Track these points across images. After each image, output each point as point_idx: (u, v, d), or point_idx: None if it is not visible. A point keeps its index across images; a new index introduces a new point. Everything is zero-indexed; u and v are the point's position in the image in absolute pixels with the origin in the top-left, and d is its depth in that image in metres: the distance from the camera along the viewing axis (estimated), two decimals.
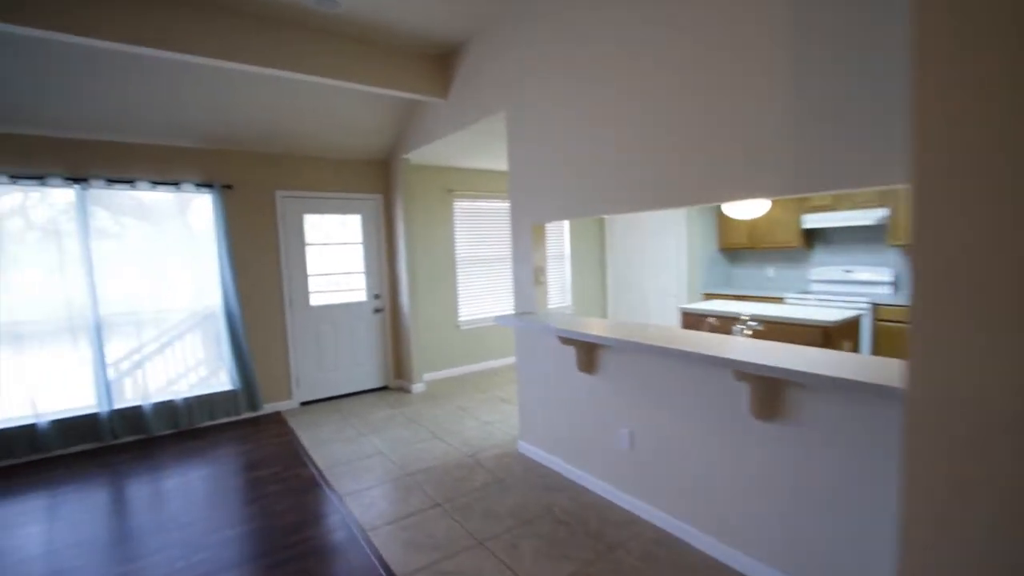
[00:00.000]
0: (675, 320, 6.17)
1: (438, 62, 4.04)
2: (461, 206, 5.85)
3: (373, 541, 2.54)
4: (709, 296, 6.08)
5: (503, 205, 6.19)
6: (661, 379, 2.51)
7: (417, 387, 5.23)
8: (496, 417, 4.36)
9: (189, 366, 4.34)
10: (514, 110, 3.37)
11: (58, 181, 3.71)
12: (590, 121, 2.84)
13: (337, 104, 4.19)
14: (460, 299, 5.90)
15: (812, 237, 5.57)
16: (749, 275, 6.27)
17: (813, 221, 5.25)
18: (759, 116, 2.04)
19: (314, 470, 3.41)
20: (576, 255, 6.92)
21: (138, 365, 4.10)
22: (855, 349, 3.87)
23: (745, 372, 1.90)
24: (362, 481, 3.22)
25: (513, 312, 3.56)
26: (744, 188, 2.14)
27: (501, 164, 5.67)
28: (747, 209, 2.82)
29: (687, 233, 6.11)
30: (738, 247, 6.09)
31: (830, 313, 3.83)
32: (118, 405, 4.02)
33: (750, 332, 2.76)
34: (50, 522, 2.84)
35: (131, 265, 4.03)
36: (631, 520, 2.65)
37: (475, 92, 3.73)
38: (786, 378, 1.75)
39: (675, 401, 2.44)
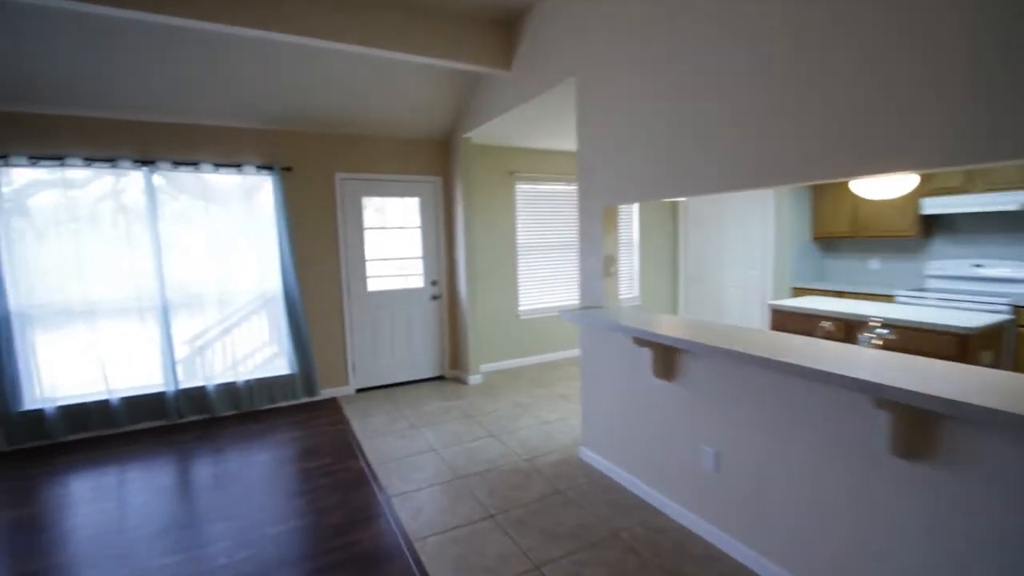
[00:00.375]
0: (759, 318, 5.55)
1: (501, 29, 3.70)
2: (523, 189, 5.52)
3: (420, 555, 2.31)
4: (799, 292, 5.39)
5: (568, 188, 5.79)
6: (759, 394, 2.08)
7: (473, 379, 5.01)
8: (556, 416, 4.04)
9: (251, 349, 4.35)
10: (585, 77, 2.98)
11: (127, 163, 3.75)
12: (676, 86, 2.40)
13: (397, 80, 3.96)
14: (520, 288, 5.60)
15: (932, 225, 4.75)
16: (847, 268, 5.51)
17: (937, 206, 4.45)
18: (917, 64, 1.54)
19: (364, 464, 3.26)
20: (645, 243, 6.41)
21: (203, 347, 4.14)
22: (996, 363, 3.19)
23: (889, 399, 1.45)
24: (412, 481, 3.02)
25: (578, 305, 3.21)
26: (888, 160, 1.65)
27: (566, 144, 5.26)
28: (884, 187, 2.28)
29: (775, 220, 5.44)
30: (836, 236, 5.34)
31: (966, 317, 3.16)
32: (184, 385, 4.08)
33: (880, 341, 2.24)
34: (109, 501, 2.87)
35: (196, 247, 4.06)
36: (715, 556, 2.25)
37: (541, 59, 3.36)
38: (974, 417, 1.29)
39: (779, 423, 2.01)
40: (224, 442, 3.69)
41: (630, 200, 2.75)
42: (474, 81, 4.22)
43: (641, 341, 2.48)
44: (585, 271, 3.13)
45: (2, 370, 3.53)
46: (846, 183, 5.04)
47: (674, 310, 6.77)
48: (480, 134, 4.64)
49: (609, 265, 2.94)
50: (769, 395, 2.03)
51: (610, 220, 2.93)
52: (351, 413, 4.26)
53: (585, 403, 3.24)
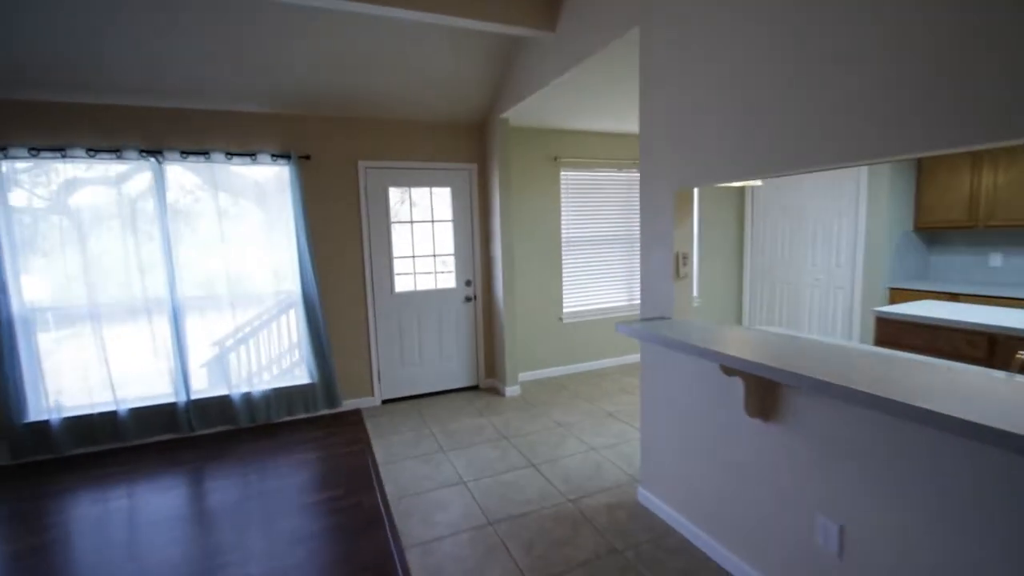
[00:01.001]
0: (850, 324, 4.72)
1: None
2: (569, 177, 4.90)
3: None
4: (898, 294, 4.52)
5: (620, 176, 5.13)
6: (912, 449, 1.41)
7: (510, 390, 4.46)
8: (605, 440, 3.44)
9: (267, 357, 3.97)
10: (654, 25, 2.34)
11: (133, 154, 3.42)
12: (778, 29, 1.74)
13: (426, 54, 3.44)
14: (565, 288, 5.00)
15: None
16: (960, 264, 4.57)
17: None
18: None
19: (379, 498, 2.78)
20: (705, 234, 5.65)
21: (216, 354, 3.80)
22: None
23: None
24: (434, 525, 2.51)
25: (638, 314, 2.58)
26: None
27: (618, 124, 4.60)
28: None
29: (867, 206, 4.58)
30: (947, 226, 4.42)
31: None
32: (196, 395, 3.75)
33: None
34: (105, 526, 2.51)
35: (207, 246, 3.70)
36: None
37: (595, 9, 2.74)
38: None
39: (948, 498, 1.34)
40: (231, 463, 3.31)
41: (712, 180, 2.11)
42: (513, 51, 3.64)
43: (730, 369, 1.85)
44: (649, 272, 2.50)
45: (6, 377, 3.28)
46: (969, 159, 4.15)
47: (738, 311, 5.98)
48: (520, 114, 4.06)
49: (681, 265, 2.30)
50: (930, 453, 1.37)
51: (683, 208, 2.29)
52: (373, 429, 3.80)
53: (645, 433, 2.62)
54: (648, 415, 2.58)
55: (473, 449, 3.39)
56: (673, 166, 2.27)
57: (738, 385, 1.95)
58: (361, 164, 4.08)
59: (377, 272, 4.22)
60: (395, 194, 4.29)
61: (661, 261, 2.39)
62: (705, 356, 1.79)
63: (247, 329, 3.89)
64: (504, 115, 4.08)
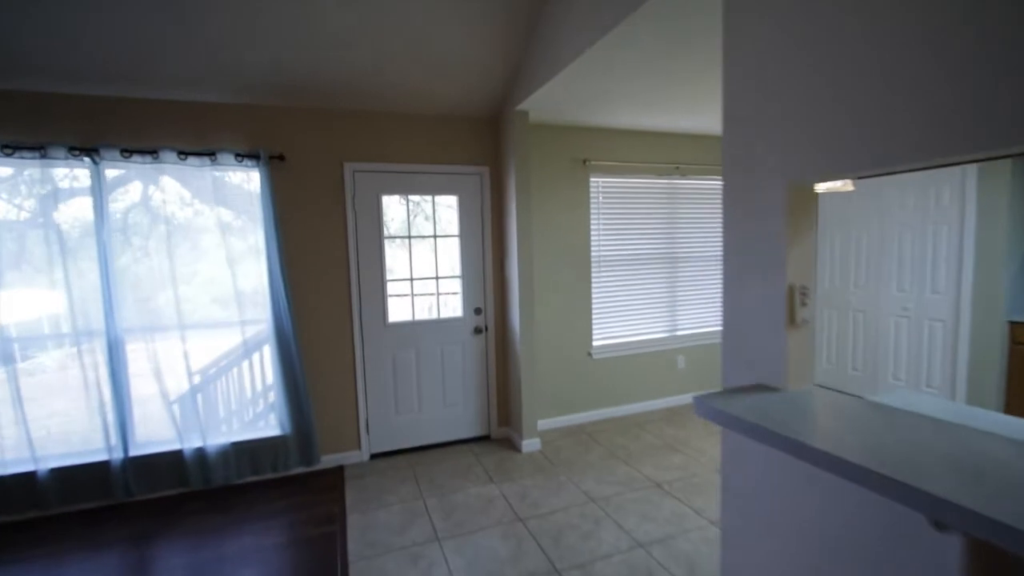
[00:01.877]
0: (953, 372, 3.74)
1: None
2: (601, 184, 4.10)
3: None
4: (1021, 328, 3.53)
5: (661, 184, 4.30)
6: None
7: (528, 444, 3.61)
8: (654, 531, 2.56)
9: (230, 403, 3.23)
10: None
11: (61, 152, 2.76)
12: None
13: (424, 23, 2.71)
14: (595, 316, 4.15)
15: None
16: None
17: None
18: None
19: None
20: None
21: (165, 401, 3.07)
22: None
23: None
24: None
25: (722, 377, 1.77)
26: None
27: (660, 120, 3.79)
28: None
29: (976, 216, 3.64)
30: None
31: None
32: (137, 452, 3.02)
33: None
34: None
35: (158, 266, 3.00)
36: None
37: None
38: None
39: None
40: (159, 549, 2.54)
41: (847, 169, 1.26)
42: (531, 22, 2.88)
43: (946, 525, 0.98)
44: (739, 313, 1.64)
45: None
46: None
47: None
48: (542, 105, 3.29)
49: (798, 304, 1.44)
50: None
51: (801, 214, 1.44)
52: (354, 497, 3.00)
53: (731, 555, 1.74)
54: (735, 530, 1.70)
55: (477, 538, 2.55)
56: (784, 147, 1.43)
57: (950, 546, 1.08)
58: (348, 167, 3.35)
59: (367, 298, 3.46)
60: (389, 204, 3.55)
61: (763, 298, 1.53)
62: (905, 500, 0.92)
63: (205, 369, 3.15)
64: (522, 107, 3.32)
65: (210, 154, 3.01)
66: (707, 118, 3.81)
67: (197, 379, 3.10)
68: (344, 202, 3.36)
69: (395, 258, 3.58)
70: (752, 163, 1.52)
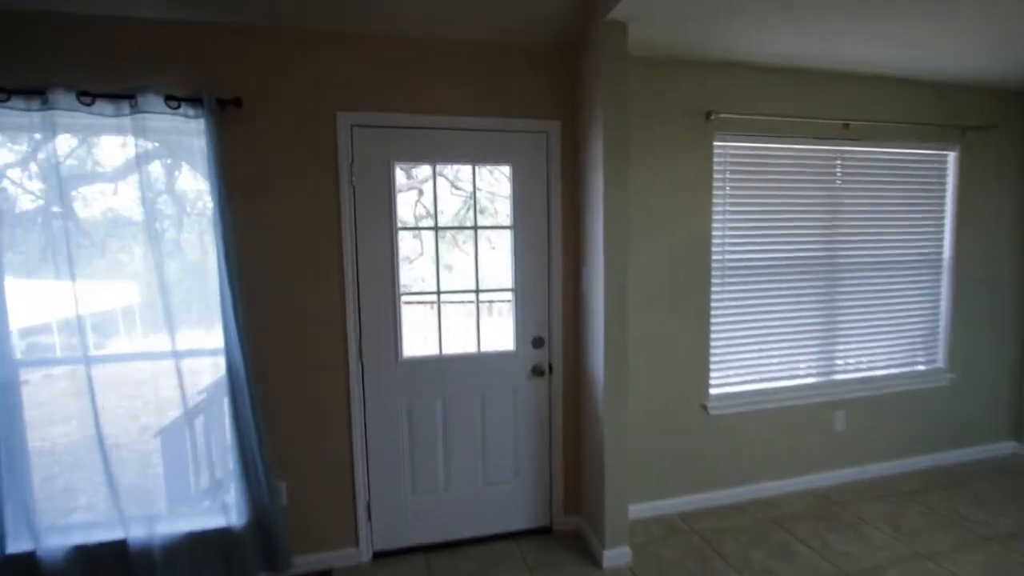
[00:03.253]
0: None
1: None
2: (731, 152, 2.68)
3: None
4: None
5: (828, 151, 2.82)
6: None
7: (613, 556, 2.30)
8: None
9: (152, 476, 2.17)
10: None
11: None
12: None
13: None
14: (715, 350, 2.76)
15: None
16: None
17: None
18: None
19: None
20: (964, 251, 3.13)
21: (55, 470, 2.05)
22: None
23: None
24: None
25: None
26: None
27: (847, 47, 2.30)
28: None
29: None
30: None
31: None
32: (15, 547, 2.02)
33: None
34: None
35: (51, 266, 1.98)
36: None
37: None
38: None
39: None
40: None
41: None
42: None
43: None
44: None
45: None
46: None
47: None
48: (648, 10, 1.95)
49: None
50: None
51: None
52: None
53: None
54: None
55: None
56: None
57: None
58: (343, 120, 2.17)
59: (370, 322, 2.28)
60: (406, 176, 2.36)
61: None
62: None
63: (121, 428, 2.10)
64: (616, 14, 1.99)
65: (128, 96, 1.93)
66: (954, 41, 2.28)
67: (107, 444, 2.04)
68: (336, 174, 2.19)
69: (413, 262, 2.38)
70: None
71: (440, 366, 2.38)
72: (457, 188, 2.49)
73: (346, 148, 2.18)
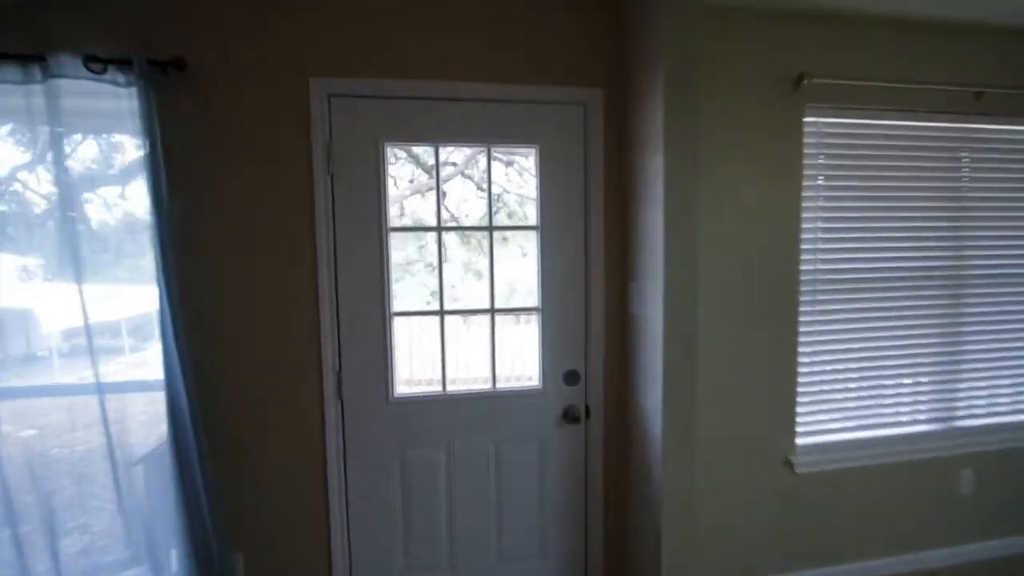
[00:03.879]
0: None
1: None
2: (826, 129, 2.06)
3: None
4: None
5: (947, 131, 2.15)
6: None
7: None
8: None
9: (67, 553, 1.68)
10: None
11: None
12: None
13: None
14: (803, 389, 2.11)
15: None
16: None
17: None
18: None
19: None
20: None
21: None
22: None
23: None
24: None
25: None
26: None
27: None
28: None
29: None
30: None
31: None
32: None
33: None
34: None
35: None
36: None
37: None
38: None
39: None
40: None
41: None
42: None
43: None
44: None
45: None
46: None
47: None
48: None
49: None
50: None
51: None
52: None
53: None
54: None
55: None
56: None
57: None
58: (316, 87, 1.67)
59: (353, 349, 1.76)
60: (401, 161, 1.85)
61: None
62: None
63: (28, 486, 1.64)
64: None
65: (38, 59, 1.48)
66: None
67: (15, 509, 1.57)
68: (309, 158, 1.69)
69: (408, 271, 1.86)
70: None
71: (444, 407, 1.83)
72: (483, 189, 1.97)
73: (322, 125, 1.68)
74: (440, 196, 1.80)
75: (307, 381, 1.72)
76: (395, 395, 1.80)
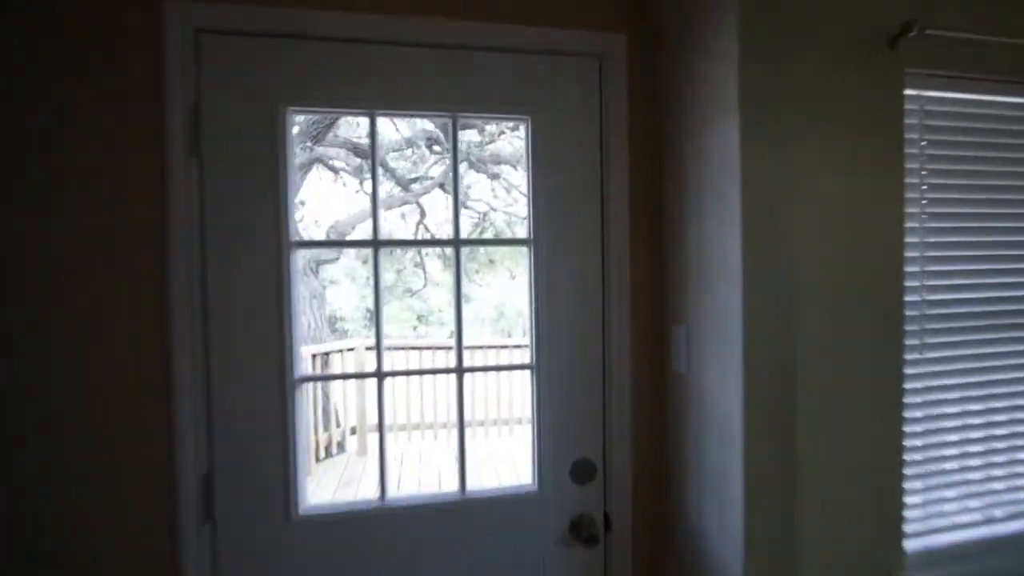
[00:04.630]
0: None
1: None
2: (937, 104, 1.47)
3: None
4: None
5: None
6: None
7: None
8: None
9: None
10: None
11: None
12: None
13: None
14: (912, 466, 1.46)
15: None
16: None
17: None
18: None
19: None
20: None
21: None
22: None
23: None
24: None
25: None
26: None
27: None
28: None
29: None
30: None
31: None
32: None
33: None
34: None
35: None
36: None
37: None
38: None
39: None
40: None
41: None
42: None
43: None
44: None
45: None
46: None
47: None
48: None
49: None
50: None
51: None
52: None
53: None
54: None
55: None
56: None
57: None
58: (175, 14, 1.04)
59: (230, 439, 1.08)
60: (398, 188, 1.33)
61: None
62: None
63: None
64: None
65: None
66: None
67: None
68: (162, 131, 1.04)
69: (330, 304, 1.36)
70: None
71: (383, 527, 1.15)
72: (467, 207, 1.38)
73: (183, 79, 1.05)
74: (376, 196, 1.17)
75: (144, 495, 1.04)
76: (303, 509, 1.11)
